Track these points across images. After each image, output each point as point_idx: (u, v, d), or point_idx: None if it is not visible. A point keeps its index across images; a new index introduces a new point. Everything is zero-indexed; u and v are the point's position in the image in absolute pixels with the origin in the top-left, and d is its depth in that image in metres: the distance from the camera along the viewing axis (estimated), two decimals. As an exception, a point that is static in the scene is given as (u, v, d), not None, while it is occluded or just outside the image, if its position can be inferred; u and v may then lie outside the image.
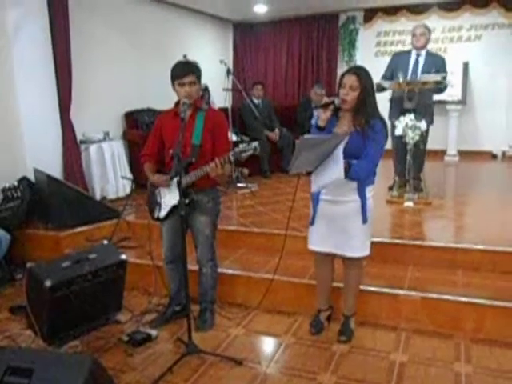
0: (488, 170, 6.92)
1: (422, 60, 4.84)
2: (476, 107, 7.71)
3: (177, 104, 2.96)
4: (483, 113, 7.67)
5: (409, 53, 4.95)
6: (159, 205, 3.02)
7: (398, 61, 4.95)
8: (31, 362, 1.97)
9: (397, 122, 4.48)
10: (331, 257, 2.90)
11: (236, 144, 3.73)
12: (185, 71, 2.84)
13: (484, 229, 3.89)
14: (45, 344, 2.83)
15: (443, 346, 2.81)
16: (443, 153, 7.42)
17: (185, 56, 5.90)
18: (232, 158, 2.76)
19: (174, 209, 2.90)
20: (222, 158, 2.73)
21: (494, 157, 7.62)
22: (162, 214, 3.01)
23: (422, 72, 4.74)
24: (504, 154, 7.58)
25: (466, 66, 7.50)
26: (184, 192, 2.71)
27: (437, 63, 4.78)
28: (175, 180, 2.72)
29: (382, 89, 4.58)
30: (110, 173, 5.35)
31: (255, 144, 2.73)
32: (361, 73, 2.63)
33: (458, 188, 5.90)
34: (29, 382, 1.91)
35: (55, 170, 4.83)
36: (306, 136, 2.46)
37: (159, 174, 2.99)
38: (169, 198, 2.96)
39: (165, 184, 2.95)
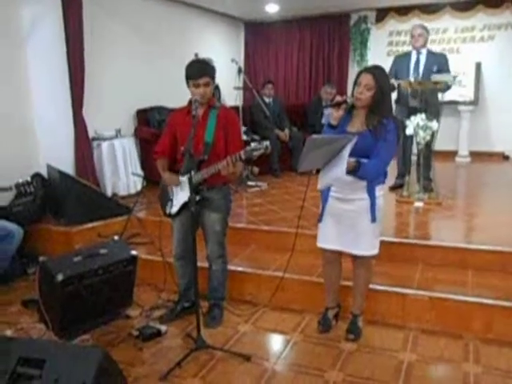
0: (499, 171, 6.85)
1: (423, 58, 4.90)
2: (488, 108, 7.64)
3: (190, 102, 2.95)
4: (495, 113, 7.58)
5: (409, 54, 5.03)
6: (171, 201, 3.05)
7: (400, 62, 5.05)
8: (43, 353, 2.01)
9: (408, 122, 4.48)
10: (339, 255, 2.91)
11: (247, 143, 3.74)
12: (200, 72, 2.84)
13: (494, 229, 3.87)
14: (56, 337, 2.87)
15: (452, 346, 2.81)
16: (454, 153, 7.38)
17: (196, 54, 5.92)
18: (243, 157, 2.76)
19: (185, 205, 2.92)
20: (234, 156, 2.74)
21: (506, 158, 7.54)
22: (174, 210, 3.03)
23: (424, 70, 4.78)
24: (516, 155, 7.52)
25: (478, 66, 7.43)
26: (195, 189, 2.73)
27: (439, 61, 4.82)
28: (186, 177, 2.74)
29: (392, 88, 4.59)
30: (121, 170, 5.38)
31: (266, 143, 2.72)
32: (377, 72, 2.63)
33: (468, 189, 5.88)
34: (41, 373, 1.95)
35: (67, 166, 4.87)
36: (315, 136, 2.46)
37: (170, 173, 3.02)
38: (180, 194, 2.98)
39: (175, 183, 2.98)
